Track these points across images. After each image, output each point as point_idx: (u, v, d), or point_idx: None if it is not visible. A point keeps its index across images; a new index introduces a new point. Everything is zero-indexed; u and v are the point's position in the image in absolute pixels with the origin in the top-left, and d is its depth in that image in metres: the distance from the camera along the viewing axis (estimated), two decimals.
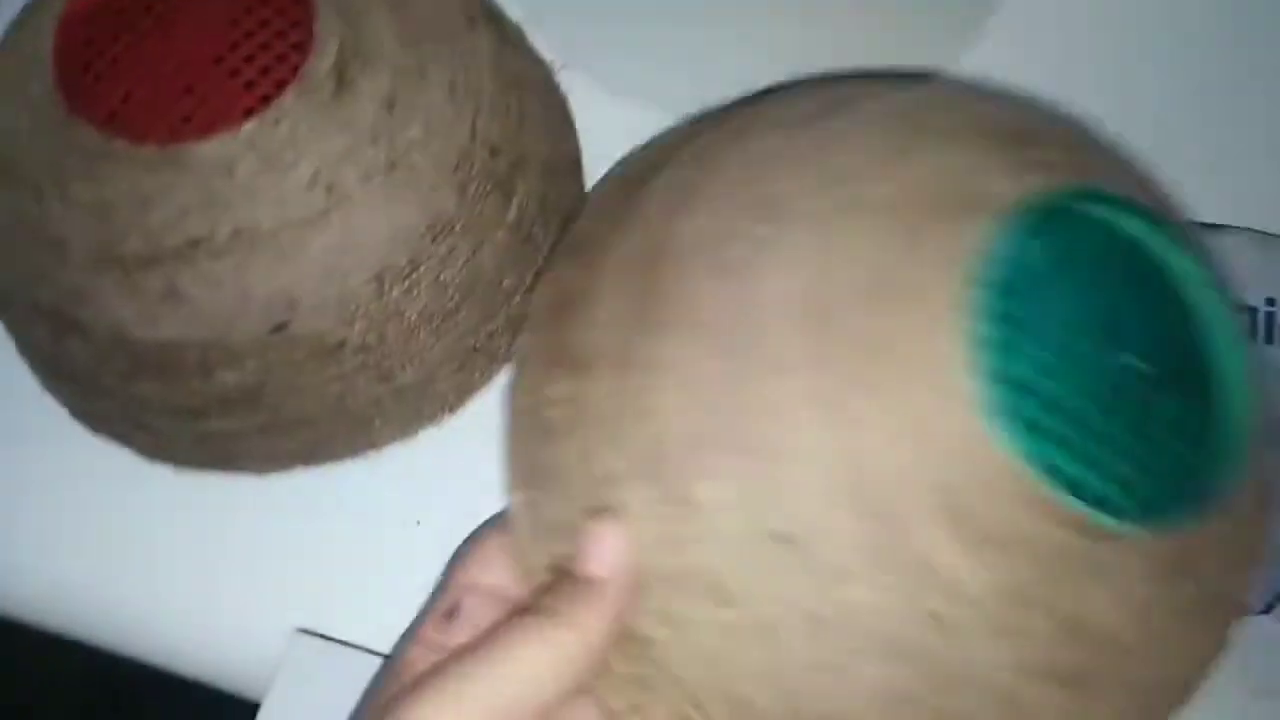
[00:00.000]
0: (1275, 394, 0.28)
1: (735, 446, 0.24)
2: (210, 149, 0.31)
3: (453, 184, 0.33)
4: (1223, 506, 0.25)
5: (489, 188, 0.35)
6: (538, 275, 0.36)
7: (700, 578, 0.24)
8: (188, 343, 0.32)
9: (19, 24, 0.34)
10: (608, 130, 0.41)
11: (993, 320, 0.23)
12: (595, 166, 0.41)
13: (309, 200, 0.31)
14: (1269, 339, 0.38)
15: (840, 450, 0.23)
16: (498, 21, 0.38)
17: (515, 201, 0.35)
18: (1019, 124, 0.27)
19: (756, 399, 0.24)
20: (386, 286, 0.33)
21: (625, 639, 0.25)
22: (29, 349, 0.37)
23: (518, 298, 0.36)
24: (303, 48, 0.32)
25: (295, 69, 0.32)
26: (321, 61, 0.32)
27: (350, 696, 0.33)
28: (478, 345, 0.36)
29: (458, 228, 0.34)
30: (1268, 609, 0.34)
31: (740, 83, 0.42)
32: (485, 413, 0.37)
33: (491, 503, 0.35)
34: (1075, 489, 0.23)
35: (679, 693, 0.25)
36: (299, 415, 0.34)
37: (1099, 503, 0.23)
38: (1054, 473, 0.23)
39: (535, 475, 0.28)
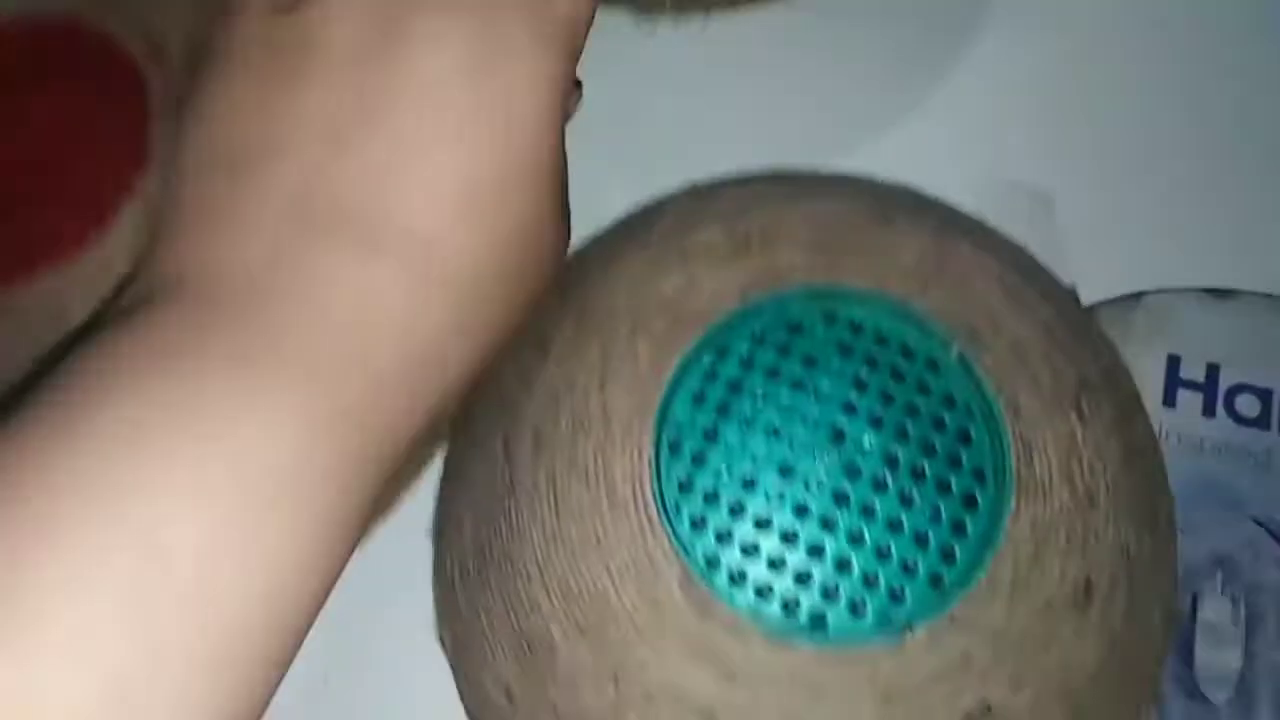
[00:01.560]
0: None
1: (497, 568, 0.27)
2: (34, 291, 0.27)
3: None
4: (972, 612, 0.23)
5: None
6: None
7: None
8: None
9: None
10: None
11: (684, 434, 0.25)
12: None
13: None
14: (1209, 411, 0.33)
15: (559, 570, 0.25)
16: None
17: None
18: (763, 228, 0.27)
19: (507, 521, 0.26)
20: None
21: None
22: None
23: None
24: (141, 154, 0.28)
25: (131, 182, 0.28)
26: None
27: None
28: None
29: None
30: None
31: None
32: None
33: None
34: (768, 597, 0.24)
35: None
36: None
37: (798, 613, 0.24)
38: (741, 582, 0.24)
39: None
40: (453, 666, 0.31)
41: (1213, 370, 0.34)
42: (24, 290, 0.27)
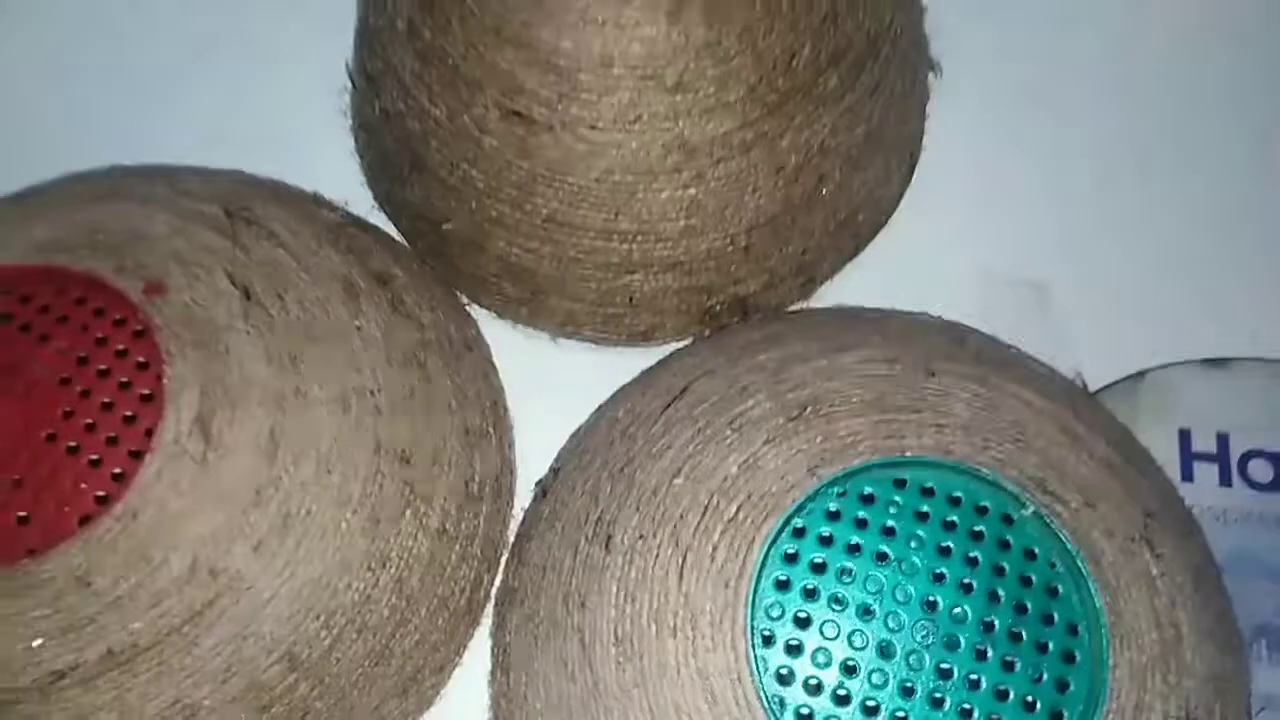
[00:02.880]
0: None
1: None
2: (57, 562, 0.25)
3: (362, 518, 0.28)
4: None
5: (406, 500, 0.29)
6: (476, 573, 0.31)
7: None
8: None
9: None
10: (536, 370, 0.36)
11: (775, 624, 0.25)
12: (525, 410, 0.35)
13: (190, 595, 0.26)
14: (1225, 480, 0.34)
15: None
16: (382, 277, 0.32)
17: (437, 504, 0.30)
18: (814, 395, 0.28)
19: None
20: (303, 657, 0.27)
21: None
22: None
23: (461, 600, 0.31)
24: (155, 398, 0.26)
25: (149, 430, 0.26)
26: (179, 416, 0.26)
27: None
28: (420, 667, 0.31)
29: (372, 564, 0.28)
30: None
31: None
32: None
33: None
34: None
35: None
36: None
37: None
38: None
39: None
40: None
41: (1223, 439, 0.35)
42: (38, 563, 0.25)
